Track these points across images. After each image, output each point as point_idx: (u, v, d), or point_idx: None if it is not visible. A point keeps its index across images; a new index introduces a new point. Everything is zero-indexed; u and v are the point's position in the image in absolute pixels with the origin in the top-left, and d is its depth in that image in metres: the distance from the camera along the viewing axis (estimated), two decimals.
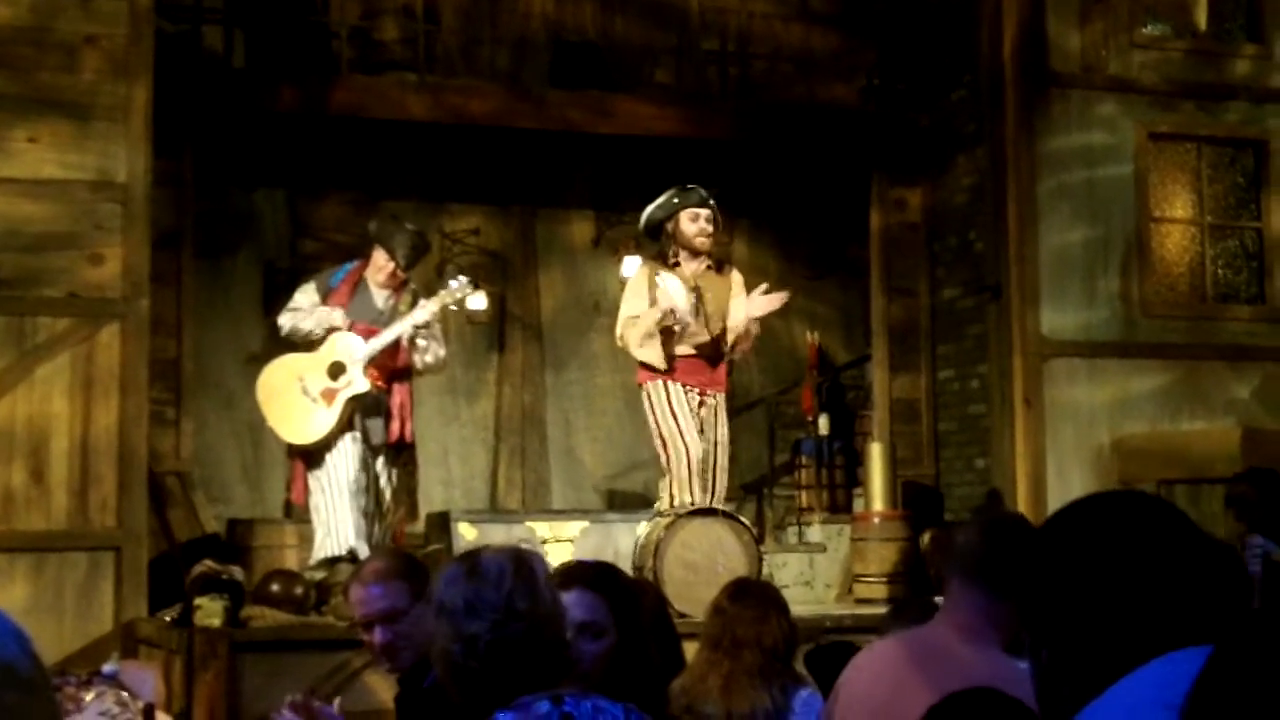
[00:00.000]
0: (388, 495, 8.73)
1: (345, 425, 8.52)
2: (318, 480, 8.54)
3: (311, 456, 8.57)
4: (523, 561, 3.03)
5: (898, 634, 3.89)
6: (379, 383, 8.61)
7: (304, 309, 8.70)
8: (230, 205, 12.34)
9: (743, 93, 12.72)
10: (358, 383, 8.49)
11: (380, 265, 8.74)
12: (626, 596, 3.81)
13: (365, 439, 8.59)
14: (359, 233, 10.30)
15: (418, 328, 8.58)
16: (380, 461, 8.69)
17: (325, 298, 8.70)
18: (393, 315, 8.67)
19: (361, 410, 8.56)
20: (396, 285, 8.78)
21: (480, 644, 2.92)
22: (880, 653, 3.75)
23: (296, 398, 8.55)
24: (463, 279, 8.85)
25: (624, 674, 3.53)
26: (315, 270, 9.50)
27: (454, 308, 8.81)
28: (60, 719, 1.72)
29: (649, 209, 8.76)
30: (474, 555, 3.06)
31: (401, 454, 8.83)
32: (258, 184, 12.62)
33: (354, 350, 8.52)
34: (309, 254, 12.37)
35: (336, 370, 8.52)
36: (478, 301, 13.04)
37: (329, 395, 8.50)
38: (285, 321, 8.74)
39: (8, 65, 9.18)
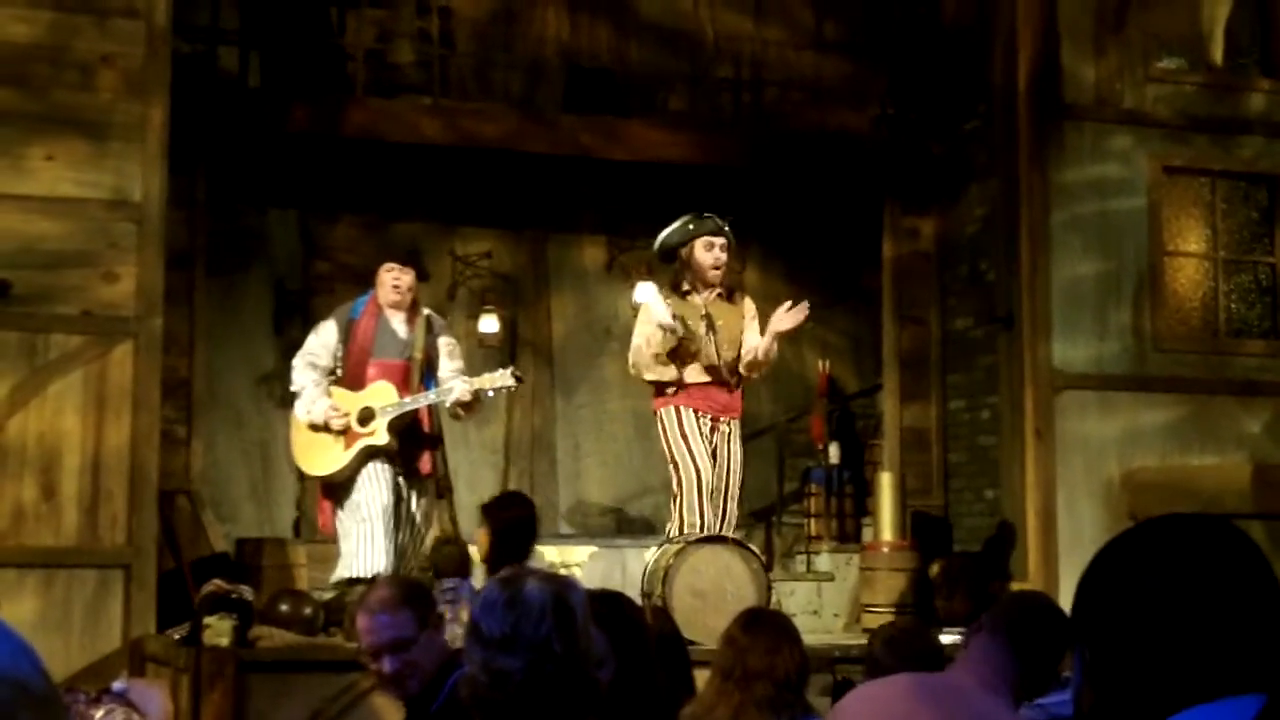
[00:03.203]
0: (420, 526, 8.57)
1: (360, 464, 8.40)
2: (348, 505, 8.42)
3: (338, 485, 8.45)
4: (563, 598, 2.95)
5: (914, 674, 3.96)
6: (426, 469, 8.52)
7: (316, 360, 8.52)
8: (243, 225, 12.38)
9: (755, 120, 12.75)
10: (380, 435, 8.30)
11: (384, 280, 8.55)
12: (629, 628, 3.80)
13: (399, 466, 8.44)
14: (371, 254, 10.28)
15: (458, 404, 8.48)
16: (414, 492, 8.54)
17: (348, 331, 8.52)
18: (413, 346, 8.58)
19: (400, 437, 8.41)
20: (409, 305, 8.66)
21: (511, 682, 2.85)
22: (893, 685, 3.80)
23: (323, 431, 8.45)
24: (511, 372, 8.51)
25: (628, 703, 3.53)
26: (327, 291, 9.43)
27: (490, 394, 8.64)
28: None
29: (664, 233, 8.73)
30: (516, 583, 2.97)
31: (437, 485, 8.70)
32: (270, 204, 12.66)
33: (387, 402, 8.36)
34: (321, 275, 12.41)
35: (365, 416, 8.34)
36: (489, 325, 13.07)
37: (350, 438, 8.35)
38: (297, 381, 8.57)
39: (25, 84, 9.20)
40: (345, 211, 12.67)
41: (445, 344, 8.74)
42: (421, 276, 8.87)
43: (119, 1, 9.39)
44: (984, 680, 3.60)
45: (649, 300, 8.44)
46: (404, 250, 8.81)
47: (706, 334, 8.51)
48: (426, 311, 8.81)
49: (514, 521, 7.76)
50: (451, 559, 8.20)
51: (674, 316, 8.32)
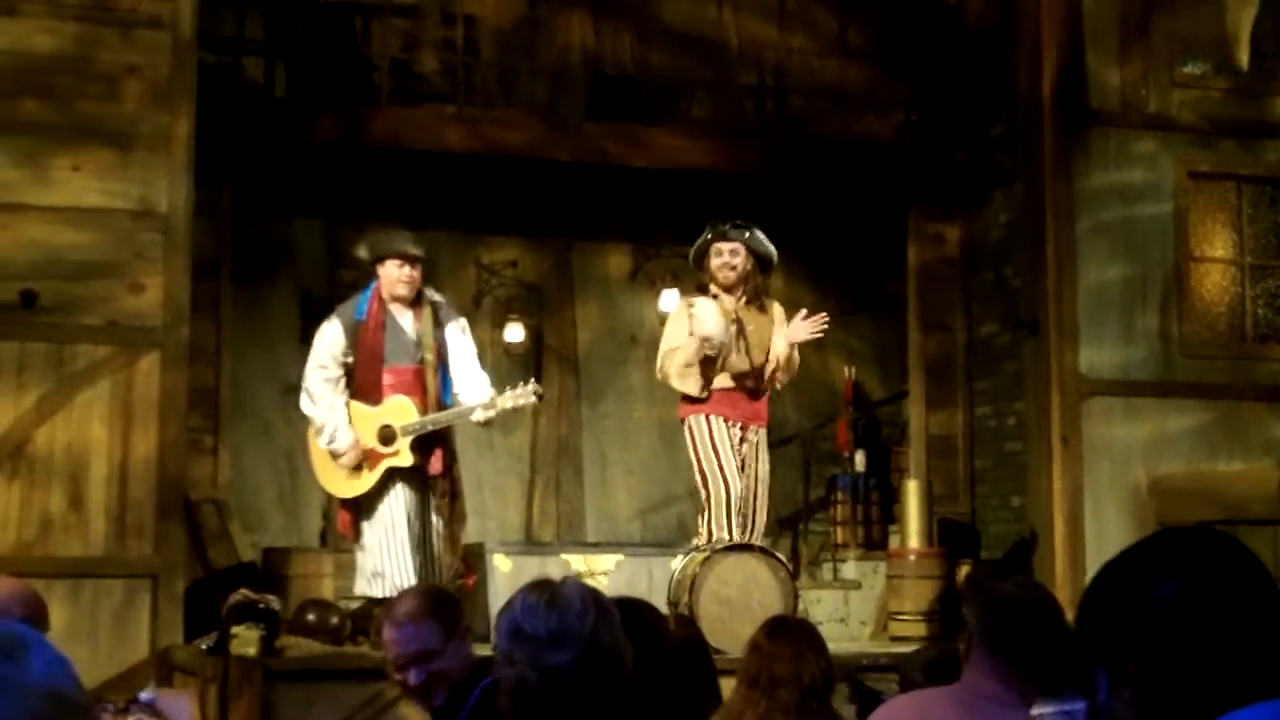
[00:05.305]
0: (439, 532, 8.44)
1: (384, 484, 8.32)
2: (372, 521, 8.38)
3: (361, 499, 8.41)
4: (599, 596, 3.07)
5: (932, 688, 3.97)
6: (438, 469, 8.39)
7: (329, 374, 8.43)
8: (268, 235, 12.40)
9: (779, 126, 12.73)
10: (404, 457, 8.26)
11: (395, 275, 8.43)
12: (649, 634, 3.80)
13: (420, 479, 8.36)
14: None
15: (479, 424, 8.43)
16: (431, 499, 8.44)
17: (354, 335, 8.42)
18: (423, 347, 8.49)
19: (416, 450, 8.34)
20: (414, 296, 8.51)
21: (564, 675, 2.93)
22: (915, 699, 3.83)
23: None
24: (534, 390, 8.43)
25: (650, 710, 3.52)
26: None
27: (513, 409, 8.57)
28: None
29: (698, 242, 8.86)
30: (551, 585, 3.07)
31: (449, 487, 8.58)
32: (296, 214, 12.68)
33: (406, 419, 8.28)
34: (346, 283, 12.38)
35: (386, 436, 8.27)
36: (514, 333, 13.08)
37: (373, 459, 8.30)
38: (313, 404, 8.46)
39: (51, 94, 9.24)
40: (370, 220, 12.63)
41: (454, 331, 8.59)
42: (427, 267, 8.74)
43: (144, 12, 9.43)
44: (989, 691, 3.60)
45: (704, 314, 8.45)
46: (408, 242, 8.64)
47: (737, 339, 8.54)
48: (433, 298, 8.64)
49: None
50: None
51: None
